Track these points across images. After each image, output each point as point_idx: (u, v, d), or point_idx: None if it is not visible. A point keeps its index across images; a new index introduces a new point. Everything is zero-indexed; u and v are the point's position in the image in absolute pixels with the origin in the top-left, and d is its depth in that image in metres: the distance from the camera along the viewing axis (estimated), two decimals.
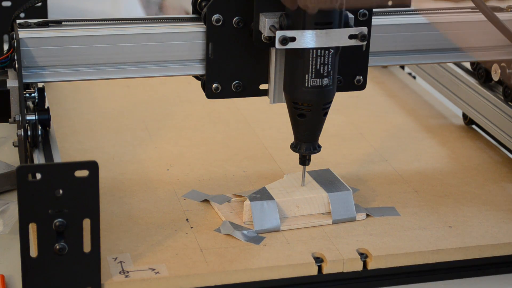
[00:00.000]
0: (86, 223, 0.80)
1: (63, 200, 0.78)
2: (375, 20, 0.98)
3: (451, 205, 1.00)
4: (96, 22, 0.95)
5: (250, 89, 0.97)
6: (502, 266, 0.93)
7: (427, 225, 0.95)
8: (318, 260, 0.89)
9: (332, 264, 0.88)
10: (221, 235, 0.92)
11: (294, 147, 0.95)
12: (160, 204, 0.98)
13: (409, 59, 1.04)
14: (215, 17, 0.92)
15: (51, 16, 1.33)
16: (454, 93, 1.21)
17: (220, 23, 0.92)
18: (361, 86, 0.99)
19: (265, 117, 1.20)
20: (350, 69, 0.98)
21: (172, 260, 0.87)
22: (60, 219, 0.79)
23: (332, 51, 0.89)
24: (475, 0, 0.96)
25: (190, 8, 0.98)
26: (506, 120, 1.10)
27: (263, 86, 0.97)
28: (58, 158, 0.90)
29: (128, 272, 0.85)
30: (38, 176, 0.77)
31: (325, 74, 0.90)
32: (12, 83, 0.92)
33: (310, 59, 0.89)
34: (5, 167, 1.04)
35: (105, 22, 0.95)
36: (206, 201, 0.99)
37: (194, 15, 0.95)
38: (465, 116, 1.22)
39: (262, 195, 0.95)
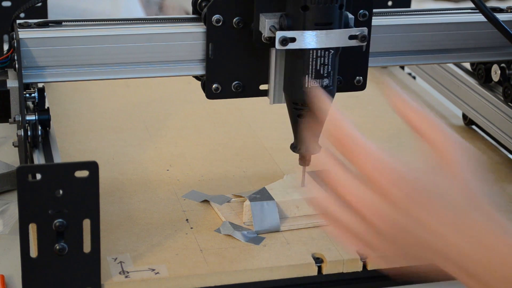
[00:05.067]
0: (86, 224, 0.80)
1: (63, 201, 0.78)
2: (375, 21, 0.98)
3: None
4: (96, 22, 0.95)
5: (250, 90, 0.96)
6: None
7: None
8: (318, 260, 0.89)
9: (332, 264, 0.88)
10: (221, 235, 0.92)
11: (294, 147, 0.95)
12: (160, 204, 0.98)
13: (409, 60, 1.04)
14: (215, 17, 0.92)
15: (51, 16, 1.33)
16: (454, 94, 1.21)
17: (220, 23, 0.92)
18: (361, 87, 0.99)
19: (265, 117, 1.20)
20: (350, 69, 0.98)
21: (172, 261, 0.87)
22: (60, 220, 0.79)
23: (332, 51, 0.89)
24: (475, 1, 0.96)
25: (190, 8, 0.98)
26: (506, 121, 1.10)
27: (263, 87, 0.97)
28: (58, 158, 0.90)
29: (128, 272, 0.85)
30: (38, 176, 0.77)
31: (325, 75, 0.90)
32: (12, 83, 0.92)
33: (310, 59, 0.89)
34: (5, 167, 1.04)
35: (105, 22, 0.95)
36: (206, 201, 0.99)
37: (194, 16, 0.95)
38: (465, 117, 1.22)
39: (262, 195, 0.95)
